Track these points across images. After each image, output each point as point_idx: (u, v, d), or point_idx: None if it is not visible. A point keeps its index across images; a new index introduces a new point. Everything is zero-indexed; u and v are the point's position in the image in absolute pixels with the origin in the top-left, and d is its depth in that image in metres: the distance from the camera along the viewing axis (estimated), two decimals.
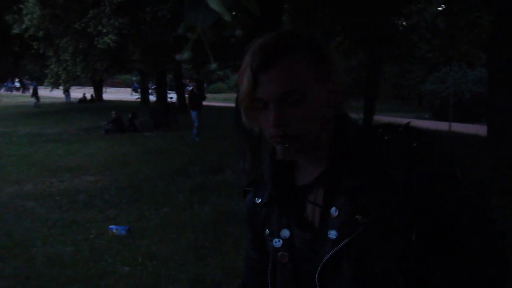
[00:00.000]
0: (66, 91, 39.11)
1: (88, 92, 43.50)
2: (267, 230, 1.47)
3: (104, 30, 15.70)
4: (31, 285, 5.32)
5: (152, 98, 31.02)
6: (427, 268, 1.28)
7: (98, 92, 42.56)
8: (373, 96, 19.36)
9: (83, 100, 40.95)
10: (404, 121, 1.41)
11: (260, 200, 1.50)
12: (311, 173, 1.37)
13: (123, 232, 6.86)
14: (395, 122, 1.39)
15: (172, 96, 28.99)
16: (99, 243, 6.59)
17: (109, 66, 20.34)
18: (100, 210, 8.16)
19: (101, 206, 8.38)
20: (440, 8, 18.95)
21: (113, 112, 19.87)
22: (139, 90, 39.38)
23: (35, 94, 39.73)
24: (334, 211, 1.28)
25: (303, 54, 1.26)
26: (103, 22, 15.71)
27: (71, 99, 41.88)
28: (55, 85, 22.66)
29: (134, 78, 54.27)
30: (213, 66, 1.17)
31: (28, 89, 51.58)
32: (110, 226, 7.05)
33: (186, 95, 23.91)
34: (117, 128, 19.01)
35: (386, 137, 1.30)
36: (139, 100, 35.47)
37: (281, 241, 1.41)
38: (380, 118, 22.33)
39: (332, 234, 1.28)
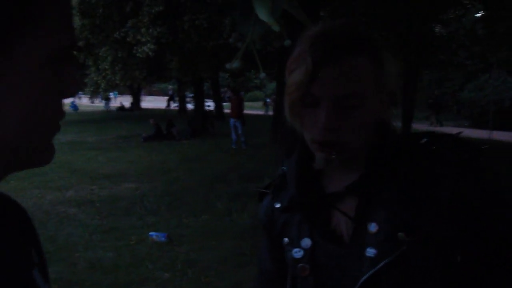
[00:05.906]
0: (106, 99, 39.95)
1: (126, 101, 43.99)
2: (286, 238, 1.35)
3: (143, 39, 15.99)
4: None
5: (190, 106, 31.35)
6: None
7: (136, 100, 42.99)
8: (411, 104, 19.15)
9: (121, 108, 41.43)
10: (444, 130, 1.29)
11: (279, 205, 1.37)
12: (342, 181, 1.25)
13: (163, 238, 6.92)
14: (436, 131, 1.28)
15: (210, 104, 29.24)
16: (139, 250, 6.66)
17: (147, 74, 20.61)
18: (140, 217, 8.24)
19: (141, 213, 8.47)
20: (478, 15, 18.68)
21: (151, 119, 20.07)
22: (176, 98, 39.92)
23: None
24: (372, 227, 1.16)
25: (366, 53, 1.15)
26: (142, 31, 16.00)
27: (110, 108, 42.38)
28: (94, 94, 23.04)
29: (170, 87, 54.64)
30: (263, 75, 1.16)
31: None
32: (150, 233, 7.12)
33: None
34: (156, 136, 19.17)
35: (433, 147, 1.18)
36: (177, 108, 35.99)
37: (302, 251, 1.29)
38: (418, 126, 22.07)
39: (371, 252, 1.15)
